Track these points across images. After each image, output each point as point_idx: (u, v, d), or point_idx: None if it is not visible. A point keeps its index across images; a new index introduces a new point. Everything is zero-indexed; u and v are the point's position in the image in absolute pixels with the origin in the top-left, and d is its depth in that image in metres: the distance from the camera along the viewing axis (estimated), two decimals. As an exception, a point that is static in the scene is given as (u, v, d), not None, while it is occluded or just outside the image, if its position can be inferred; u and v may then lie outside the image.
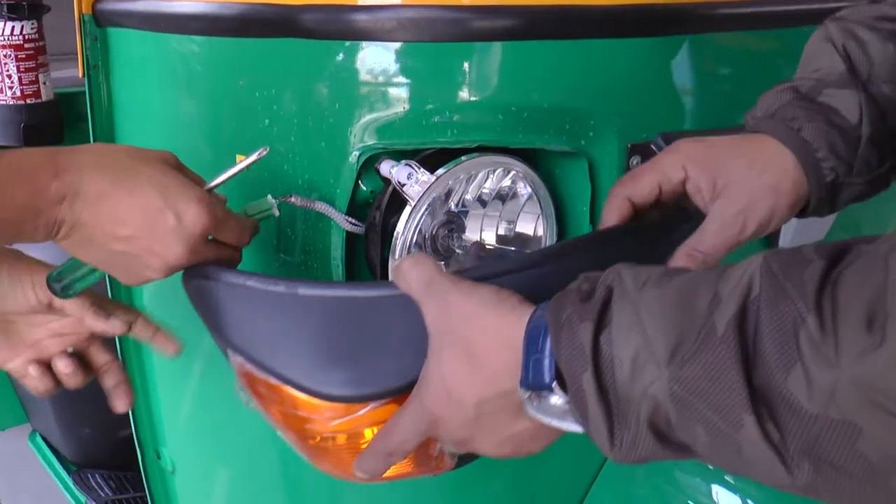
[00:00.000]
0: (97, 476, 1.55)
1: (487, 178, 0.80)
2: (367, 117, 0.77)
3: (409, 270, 0.60)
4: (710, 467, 0.96)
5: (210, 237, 0.68)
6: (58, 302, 0.75)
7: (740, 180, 0.67)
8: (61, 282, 0.73)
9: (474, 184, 0.79)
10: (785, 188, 0.67)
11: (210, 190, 0.69)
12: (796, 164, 0.67)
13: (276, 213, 0.74)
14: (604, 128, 0.81)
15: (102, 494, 1.50)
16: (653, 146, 0.82)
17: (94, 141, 0.92)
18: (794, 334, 0.46)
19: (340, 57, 0.77)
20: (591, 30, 0.79)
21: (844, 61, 0.66)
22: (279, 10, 0.78)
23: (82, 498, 1.52)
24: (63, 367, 0.79)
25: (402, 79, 0.77)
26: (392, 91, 0.77)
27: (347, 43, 0.77)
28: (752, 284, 0.49)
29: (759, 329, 0.47)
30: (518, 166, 0.79)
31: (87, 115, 0.92)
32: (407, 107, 0.77)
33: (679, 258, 0.68)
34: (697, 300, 0.51)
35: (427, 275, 0.60)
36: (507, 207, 0.83)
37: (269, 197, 0.74)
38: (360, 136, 0.77)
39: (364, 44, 0.76)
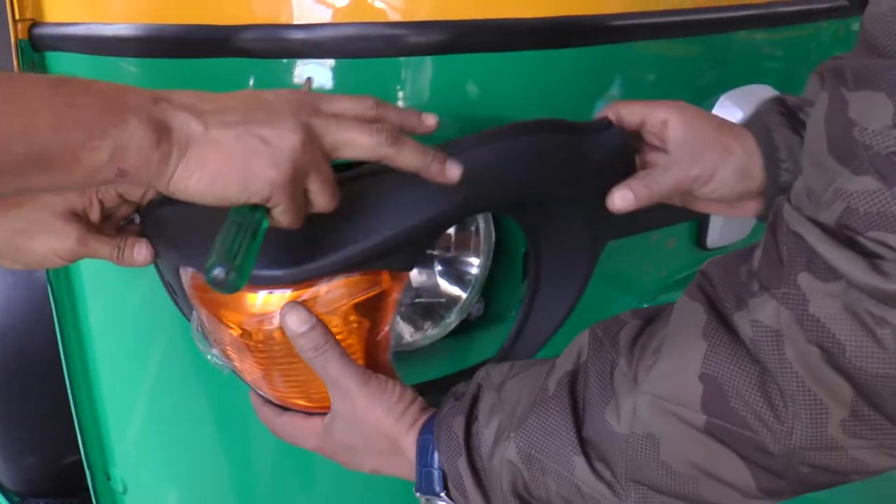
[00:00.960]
0: (40, 504, 1.53)
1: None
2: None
3: (316, 360, 0.65)
4: None
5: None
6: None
7: (696, 138, 0.75)
8: (224, 260, 0.54)
9: None
10: (739, 155, 0.75)
11: None
12: (760, 158, 0.75)
13: None
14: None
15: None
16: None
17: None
18: (611, 375, 0.57)
19: (278, 75, 0.79)
20: (521, 42, 0.82)
21: None
22: (216, 30, 0.79)
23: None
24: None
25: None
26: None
27: (284, 61, 0.79)
28: (581, 351, 0.60)
29: (587, 382, 0.58)
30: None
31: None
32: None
33: (620, 192, 0.73)
34: (540, 374, 0.62)
35: (332, 361, 0.65)
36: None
37: None
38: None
39: (300, 61, 0.79)
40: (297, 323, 0.63)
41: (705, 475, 0.54)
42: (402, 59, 0.79)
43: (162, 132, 0.55)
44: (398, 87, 0.80)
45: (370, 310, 0.67)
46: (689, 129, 0.75)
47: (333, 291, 0.65)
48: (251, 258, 0.56)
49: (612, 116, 0.77)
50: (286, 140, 0.57)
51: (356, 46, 0.78)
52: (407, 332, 0.84)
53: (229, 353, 0.70)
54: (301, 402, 0.71)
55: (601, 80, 0.90)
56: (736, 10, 0.94)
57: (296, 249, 0.64)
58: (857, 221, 0.46)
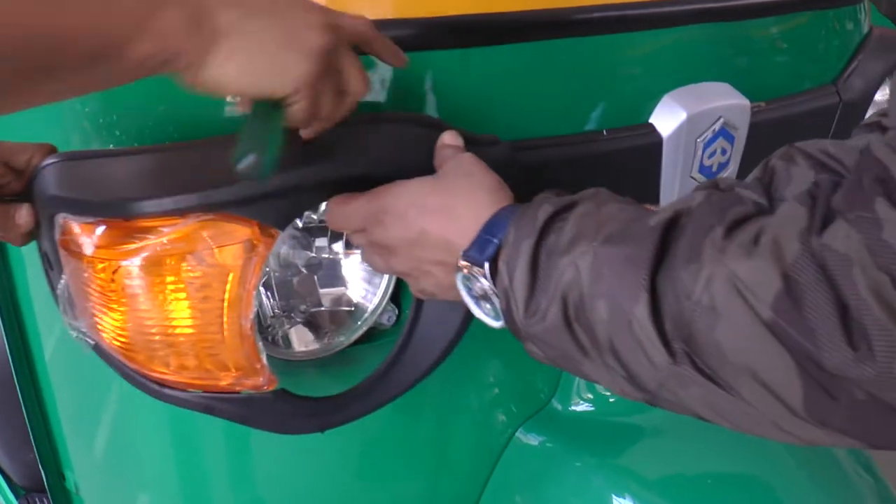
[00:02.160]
0: (44, 500, 1.57)
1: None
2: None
3: (448, 149, 0.72)
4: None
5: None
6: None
7: None
8: (251, 152, 0.59)
9: None
10: None
11: None
12: None
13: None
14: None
15: (47, 518, 1.51)
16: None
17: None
18: (703, 238, 0.54)
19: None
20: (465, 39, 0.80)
21: (766, 174, 0.67)
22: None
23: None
24: None
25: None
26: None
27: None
28: (689, 206, 0.58)
29: (682, 234, 0.56)
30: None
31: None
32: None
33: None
34: (644, 212, 0.60)
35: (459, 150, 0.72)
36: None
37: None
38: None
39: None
40: (451, 139, 0.73)
41: (752, 377, 0.51)
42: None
43: (199, 18, 0.57)
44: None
45: (235, 259, 0.68)
46: None
47: (204, 228, 0.67)
48: (276, 149, 0.61)
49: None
50: (315, 34, 0.61)
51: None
52: (306, 340, 0.82)
53: (94, 310, 0.71)
54: (160, 370, 0.72)
55: (536, 77, 0.86)
56: (673, 5, 0.88)
57: (173, 182, 0.67)
58: None
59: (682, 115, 0.89)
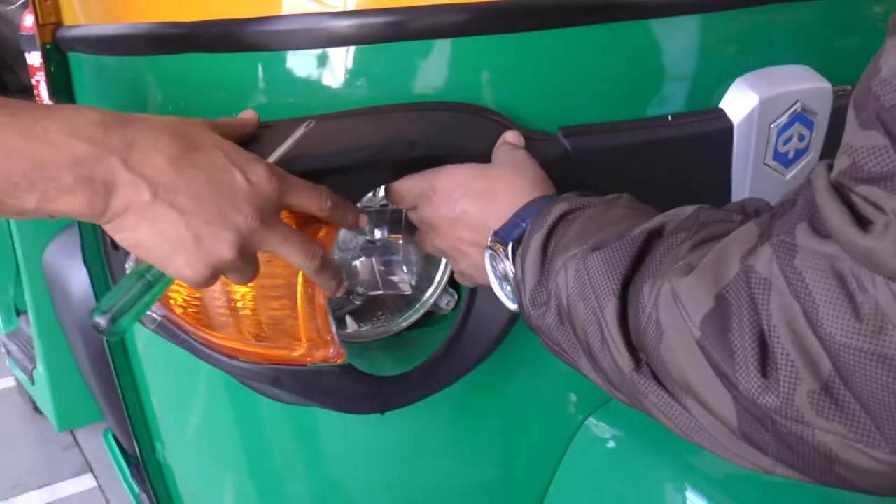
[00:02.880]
0: (147, 470, 1.66)
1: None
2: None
3: (506, 145, 0.75)
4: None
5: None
6: None
7: None
8: (109, 311, 0.61)
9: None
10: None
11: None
12: None
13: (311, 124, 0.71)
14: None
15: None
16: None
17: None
18: (671, 252, 0.55)
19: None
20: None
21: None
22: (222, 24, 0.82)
23: (137, 490, 1.63)
24: None
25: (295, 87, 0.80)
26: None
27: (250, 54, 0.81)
28: (679, 217, 0.59)
29: (659, 244, 0.56)
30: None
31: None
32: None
33: None
34: (644, 219, 0.60)
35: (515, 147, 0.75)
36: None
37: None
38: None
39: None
40: (514, 138, 0.77)
41: (692, 395, 0.51)
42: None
43: (102, 192, 0.56)
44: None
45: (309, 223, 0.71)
46: None
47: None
48: (139, 312, 0.61)
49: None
50: (217, 249, 0.59)
51: (314, 37, 0.78)
52: (362, 323, 0.84)
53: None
54: (231, 342, 0.75)
55: (604, 61, 0.85)
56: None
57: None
58: (858, 177, 0.43)
59: (754, 100, 0.86)
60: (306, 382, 0.78)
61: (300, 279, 0.73)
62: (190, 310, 0.76)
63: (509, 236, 0.66)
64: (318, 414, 0.92)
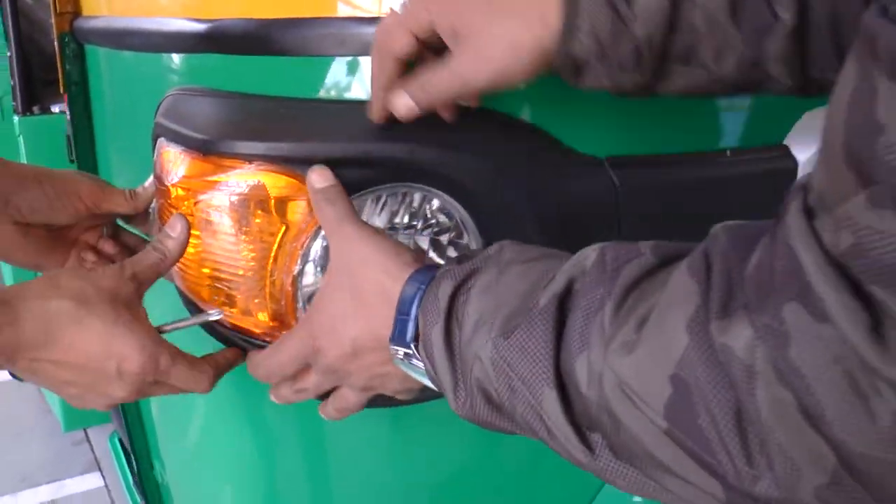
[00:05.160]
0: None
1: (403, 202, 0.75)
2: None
3: (325, 207, 0.64)
4: None
5: None
6: (104, 206, 0.81)
7: (476, 29, 0.60)
8: None
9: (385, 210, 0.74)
10: (525, 42, 0.59)
11: (161, 332, 0.70)
12: (558, 17, 0.59)
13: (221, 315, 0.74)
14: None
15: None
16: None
17: (75, 156, 0.95)
18: (593, 319, 0.47)
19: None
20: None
21: None
22: (255, 24, 0.76)
23: (138, 499, 1.58)
24: (109, 248, 0.86)
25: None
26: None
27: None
28: (583, 270, 0.51)
29: (574, 314, 0.49)
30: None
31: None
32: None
33: (400, 101, 0.64)
34: (544, 276, 0.53)
35: (339, 214, 0.64)
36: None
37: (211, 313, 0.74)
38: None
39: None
40: (318, 180, 0.65)
41: (670, 474, 0.45)
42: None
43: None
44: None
45: (290, 213, 0.69)
46: (462, 36, 0.61)
47: (266, 177, 0.68)
48: None
49: (391, 73, 0.64)
50: (101, 403, 0.68)
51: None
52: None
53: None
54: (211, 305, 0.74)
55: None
56: None
57: (250, 129, 0.69)
58: (863, 264, 0.34)
59: (823, 138, 0.78)
60: None
61: (272, 257, 0.70)
62: (181, 267, 0.77)
63: (405, 339, 0.59)
64: (328, 433, 0.86)
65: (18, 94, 1.62)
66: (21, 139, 1.67)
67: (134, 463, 1.11)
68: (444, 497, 0.93)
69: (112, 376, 0.65)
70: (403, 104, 0.63)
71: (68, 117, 0.94)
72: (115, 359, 0.64)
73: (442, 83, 0.62)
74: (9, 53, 1.59)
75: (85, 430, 2.69)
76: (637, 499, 0.93)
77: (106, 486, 2.46)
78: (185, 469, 1.08)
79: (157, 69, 0.88)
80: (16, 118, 1.70)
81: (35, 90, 1.64)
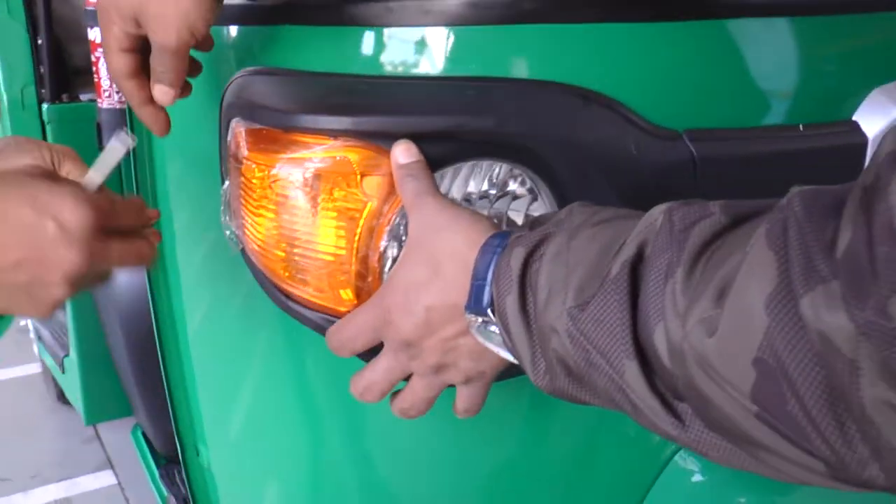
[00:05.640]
0: (179, 472, 1.59)
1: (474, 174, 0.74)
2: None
3: (408, 182, 0.64)
4: None
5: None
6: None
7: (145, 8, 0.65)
8: None
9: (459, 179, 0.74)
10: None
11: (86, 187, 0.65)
12: None
13: (133, 143, 0.69)
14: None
15: (183, 491, 1.53)
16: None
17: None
18: (664, 285, 0.45)
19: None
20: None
21: None
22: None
23: (165, 493, 1.56)
24: None
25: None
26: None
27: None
28: (649, 233, 0.49)
29: (647, 280, 0.47)
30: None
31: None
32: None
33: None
34: (615, 241, 0.51)
35: (421, 188, 0.63)
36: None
37: (122, 133, 0.68)
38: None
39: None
40: (403, 155, 0.65)
41: (767, 451, 0.43)
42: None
43: None
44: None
45: (375, 190, 0.68)
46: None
47: (352, 152, 0.67)
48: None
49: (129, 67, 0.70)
50: (51, 297, 0.62)
51: (429, 14, 0.71)
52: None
53: (243, 213, 0.74)
54: (289, 283, 0.73)
55: (727, 60, 0.77)
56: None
57: (332, 104, 0.68)
58: None
59: (892, 113, 0.78)
60: None
61: (358, 234, 0.69)
62: (258, 245, 0.75)
63: (482, 306, 0.57)
64: (377, 425, 0.85)
65: (47, 81, 1.61)
66: (49, 128, 1.65)
67: (179, 447, 1.10)
68: (494, 490, 0.93)
69: (55, 237, 0.58)
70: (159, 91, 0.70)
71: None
72: (49, 214, 0.58)
73: (154, 61, 0.68)
74: (39, 41, 1.58)
75: (95, 427, 2.67)
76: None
77: (119, 483, 2.45)
78: (233, 455, 1.07)
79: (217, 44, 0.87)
80: (44, 106, 1.68)
81: (66, 77, 1.63)
